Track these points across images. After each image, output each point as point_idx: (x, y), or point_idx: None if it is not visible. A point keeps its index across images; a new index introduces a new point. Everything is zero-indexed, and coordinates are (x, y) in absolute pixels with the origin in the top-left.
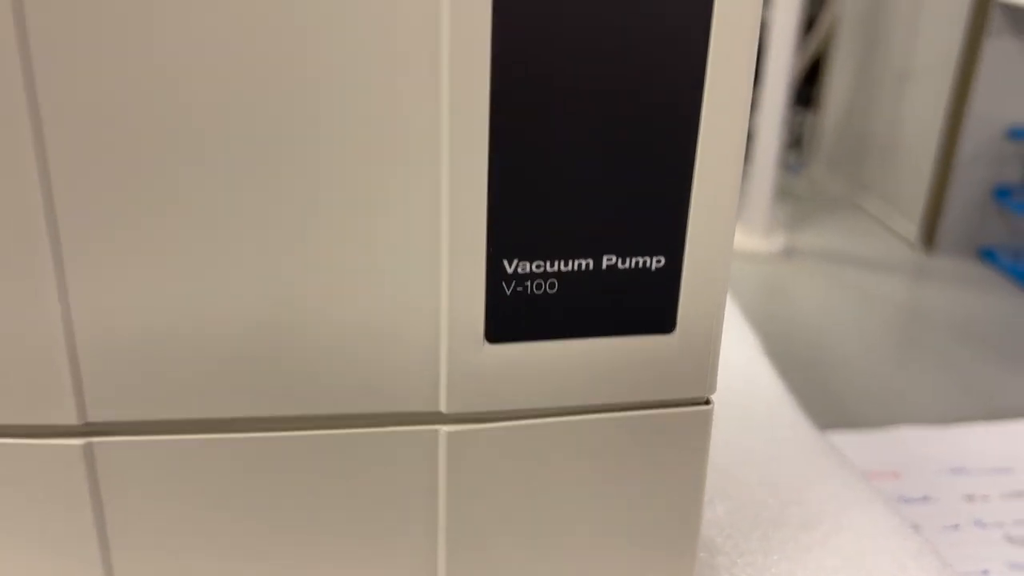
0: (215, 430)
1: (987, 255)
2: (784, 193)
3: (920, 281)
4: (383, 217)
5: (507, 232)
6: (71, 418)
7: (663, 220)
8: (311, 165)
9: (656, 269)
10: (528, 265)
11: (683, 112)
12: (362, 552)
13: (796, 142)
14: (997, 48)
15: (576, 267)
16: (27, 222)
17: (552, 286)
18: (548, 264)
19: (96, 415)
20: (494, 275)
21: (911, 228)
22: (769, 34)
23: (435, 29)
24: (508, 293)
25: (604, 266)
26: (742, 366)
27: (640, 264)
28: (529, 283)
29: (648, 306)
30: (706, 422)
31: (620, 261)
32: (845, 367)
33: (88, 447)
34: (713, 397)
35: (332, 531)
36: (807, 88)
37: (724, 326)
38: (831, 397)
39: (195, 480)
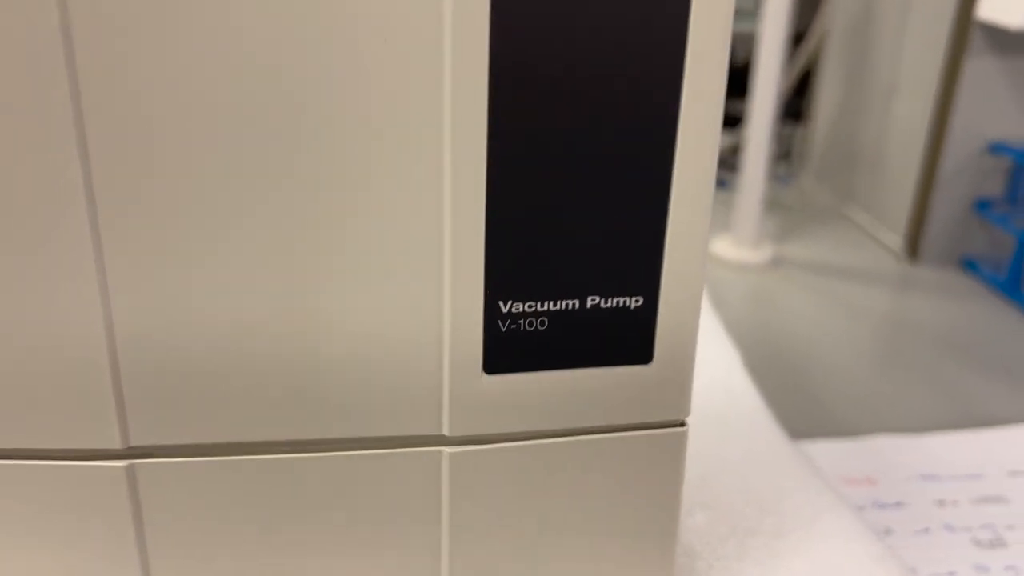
0: (241, 452)
1: (969, 265)
2: (775, 204)
3: (904, 291)
4: (395, 265)
5: (502, 276)
6: (115, 443)
7: (641, 264)
8: (323, 216)
9: (635, 308)
10: (521, 305)
11: (657, 169)
12: (374, 561)
13: (786, 154)
14: (977, 67)
15: (564, 306)
16: (74, 247)
17: (543, 323)
18: (539, 304)
19: (138, 440)
20: (491, 314)
21: (896, 239)
22: (758, 47)
23: (438, 94)
24: (504, 330)
25: (589, 305)
26: (722, 380)
27: (621, 303)
28: (522, 321)
29: (628, 340)
30: (682, 442)
31: (603, 301)
32: (830, 374)
33: (131, 468)
34: (691, 417)
35: (346, 542)
36: (797, 100)
37: (707, 342)
38: (816, 404)
39: (223, 498)
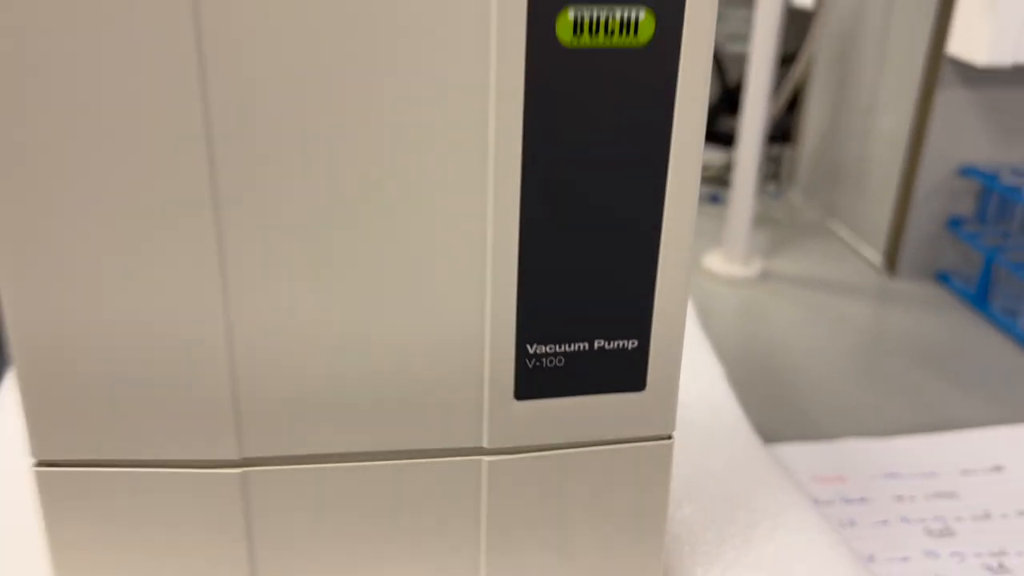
0: (327, 461)
1: (943, 279)
2: (764, 219)
3: (883, 302)
4: (454, 321)
5: (530, 326)
6: (232, 454)
7: (635, 316)
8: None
9: (632, 348)
10: (544, 348)
11: (649, 242)
12: (422, 553)
13: (775, 175)
14: (949, 97)
15: (577, 348)
16: (200, 267)
17: (560, 361)
18: (557, 347)
19: (251, 451)
20: (521, 354)
21: (876, 253)
22: (748, 68)
23: (483, 184)
24: (531, 366)
25: (596, 348)
26: (706, 394)
27: (621, 345)
28: (544, 359)
29: (626, 373)
30: (669, 451)
31: (607, 344)
32: (813, 383)
33: (244, 475)
34: (678, 431)
35: (400, 539)
36: (787, 118)
37: (693, 359)
38: (798, 411)
39: (311, 503)
